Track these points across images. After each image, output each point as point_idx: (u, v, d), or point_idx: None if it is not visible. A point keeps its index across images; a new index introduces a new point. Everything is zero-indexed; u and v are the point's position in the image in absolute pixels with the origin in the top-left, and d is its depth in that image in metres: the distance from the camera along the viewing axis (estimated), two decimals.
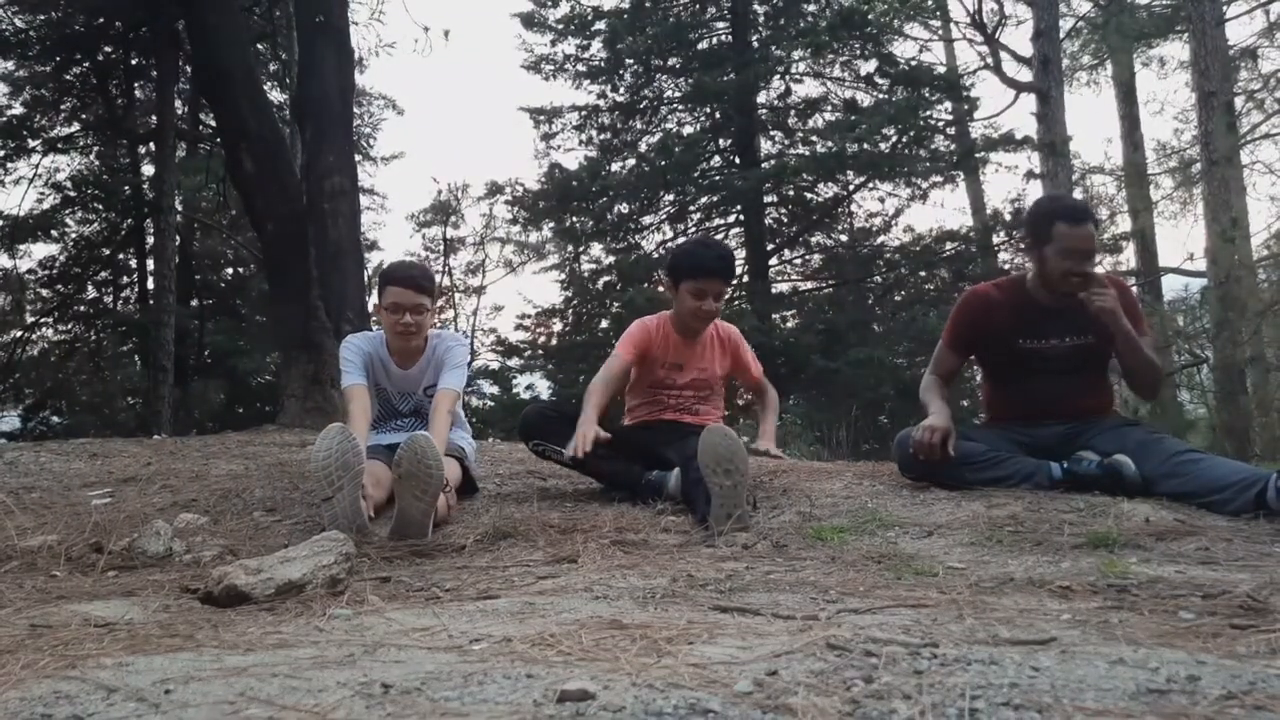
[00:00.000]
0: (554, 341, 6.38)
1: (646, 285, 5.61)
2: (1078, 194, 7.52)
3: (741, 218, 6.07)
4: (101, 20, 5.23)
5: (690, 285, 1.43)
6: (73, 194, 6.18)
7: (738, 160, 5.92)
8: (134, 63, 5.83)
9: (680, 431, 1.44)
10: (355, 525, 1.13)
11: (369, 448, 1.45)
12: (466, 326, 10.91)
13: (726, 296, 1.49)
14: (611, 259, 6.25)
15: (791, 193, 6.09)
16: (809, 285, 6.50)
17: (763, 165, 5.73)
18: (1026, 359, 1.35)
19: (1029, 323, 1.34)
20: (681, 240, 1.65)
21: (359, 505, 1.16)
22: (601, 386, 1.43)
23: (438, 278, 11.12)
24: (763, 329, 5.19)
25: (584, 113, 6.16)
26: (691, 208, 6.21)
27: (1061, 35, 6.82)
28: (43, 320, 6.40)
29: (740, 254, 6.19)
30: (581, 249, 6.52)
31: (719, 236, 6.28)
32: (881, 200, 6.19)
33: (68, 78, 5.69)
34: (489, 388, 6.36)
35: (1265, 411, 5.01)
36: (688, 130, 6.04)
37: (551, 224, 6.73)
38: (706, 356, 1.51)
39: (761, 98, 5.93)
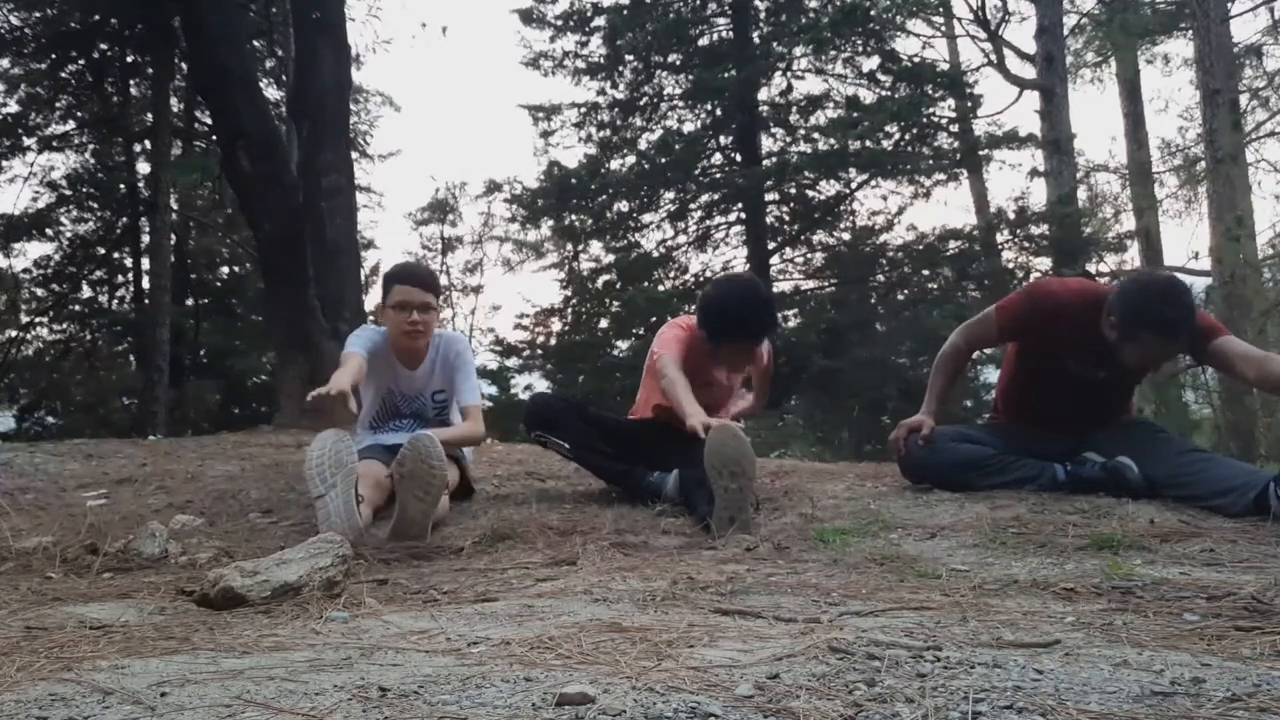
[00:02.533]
0: (553, 341, 6.37)
1: (647, 285, 5.59)
2: (1081, 192, 7.49)
3: (743, 216, 6.05)
4: (97, 17, 5.20)
5: (729, 347, 1.35)
6: (68, 192, 6.16)
7: (739, 158, 5.90)
8: (129, 60, 5.80)
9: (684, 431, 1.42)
10: (349, 524, 1.12)
11: (368, 447, 1.44)
12: (465, 326, 10.90)
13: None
14: (611, 257, 6.23)
15: (793, 190, 6.07)
16: (811, 284, 6.48)
17: (764, 163, 5.72)
18: (1066, 376, 1.30)
19: (1087, 350, 1.27)
20: (717, 284, 1.44)
21: (352, 504, 1.15)
22: (681, 376, 1.33)
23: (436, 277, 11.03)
24: None
25: (583, 110, 6.14)
26: (692, 205, 6.19)
27: (1065, 32, 6.79)
28: (37, 320, 6.39)
29: (741, 252, 6.21)
30: (581, 247, 6.50)
31: (719, 236, 6.29)
32: (884, 198, 6.16)
33: (63, 75, 5.65)
34: (487, 388, 6.36)
35: (1270, 411, 5.00)
36: (688, 127, 6.02)
37: (550, 222, 6.71)
38: (723, 373, 1.46)
39: (763, 94, 5.91)
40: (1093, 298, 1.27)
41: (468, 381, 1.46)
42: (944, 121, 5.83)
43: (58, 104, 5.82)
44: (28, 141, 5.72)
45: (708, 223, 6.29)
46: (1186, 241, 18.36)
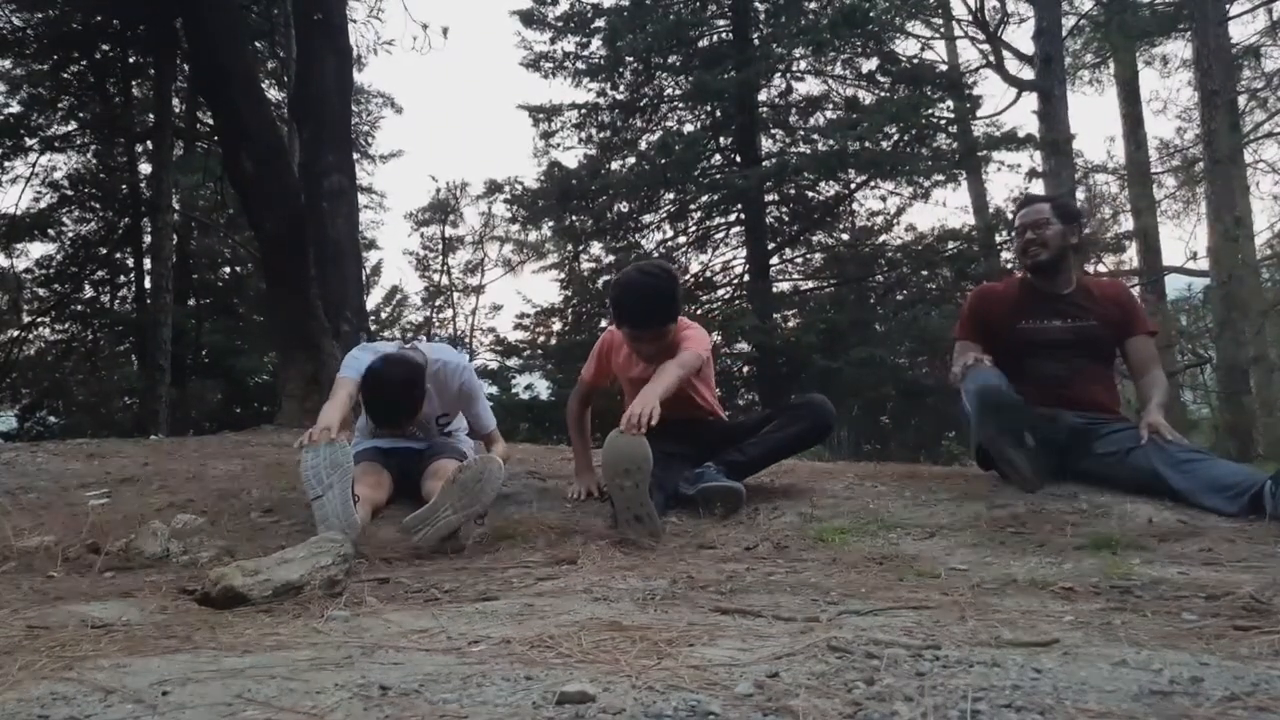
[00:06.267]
0: (553, 341, 6.38)
1: None
2: (1080, 193, 7.53)
3: (742, 216, 6.06)
4: (99, 18, 5.21)
5: (622, 329, 1.39)
6: (70, 193, 6.18)
7: (738, 158, 5.91)
8: (131, 61, 5.81)
9: (697, 428, 1.43)
10: (346, 524, 1.12)
11: (368, 449, 1.44)
12: (465, 326, 10.91)
13: (666, 337, 1.33)
14: (611, 258, 6.24)
15: (793, 191, 6.09)
16: (810, 284, 6.50)
17: (764, 164, 5.72)
18: (1029, 342, 1.41)
19: (1029, 306, 1.42)
20: (624, 270, 1.47)
21: (350, 504, 1.15)
22: (576, 421, 1.48)
23: (437, 277, 11.13)
24: (764, 328, 5.18)
25: (584, 111, 6.15)
26: (692, 206, 6.20)
27: (1064, 33, 6.78)
28: (39, 320, 6.39)
29: (740, 253, 6.22)
30: (581, 248, 6.51)
31: (719, 236, 6.30)
32: (883, 199, 6.20)
33: (65, 76, 5.67)
34: (488, 388, 6.36)
35: (1269, 411, 5.01)
36: (688, 128, 6.03)
37: (551, 223, 6.73)
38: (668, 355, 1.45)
39: (762, 95, 5.93)
40: (1016, 274, 1.50)
41: (482, 410, 1.48)
42: (943, 122, 5.83)
43: (60, 104, 5.82)
44: (30, 142, 5.72)
45: (708, 223, 6.30)
46: (1185, 242, 18.45)
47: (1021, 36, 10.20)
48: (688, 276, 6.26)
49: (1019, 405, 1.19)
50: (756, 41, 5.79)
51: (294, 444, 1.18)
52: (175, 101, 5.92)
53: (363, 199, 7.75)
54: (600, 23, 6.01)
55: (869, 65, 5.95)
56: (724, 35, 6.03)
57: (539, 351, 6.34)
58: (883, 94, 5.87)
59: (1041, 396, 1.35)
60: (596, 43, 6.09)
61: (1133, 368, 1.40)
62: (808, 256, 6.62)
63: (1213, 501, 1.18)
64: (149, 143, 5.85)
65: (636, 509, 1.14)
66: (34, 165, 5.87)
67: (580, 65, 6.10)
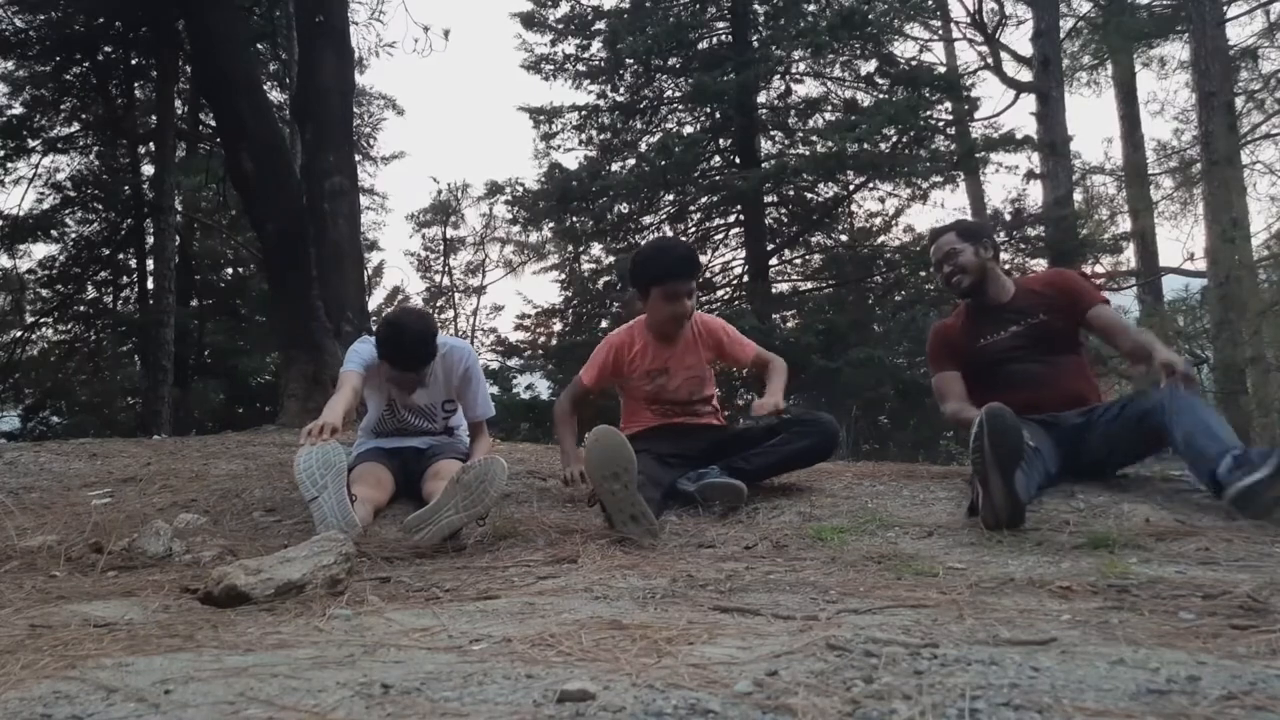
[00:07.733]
0: (554, 341, 6.39)
1: None
2: (1077, 194, 7.56)
3: (741, 218, 6.08)
4: (101, 20, 5.23)
5: (661, 290, 1.42)
6: (72, 194, 6.20)
7: (738, 160, 5.92)
8: (134, 63, 5.84)
9: (699, 432, 1.44)
10: (345, 523, 1.13)
11: (370, 449, 1.45)
12: (466, 326, 10.94)
13: (696, 293, 1.47)
14: (611, 259, 6.26)
15: (792, 193, 6.10)
16: (809, 285, 6.51)
17: (763, 165, 5.72)
18: (992, 356, 1.43)
19: (981, 324, 1.46)
20: (640, 247, 1.78)
21: (346, 503, 1.15)
22: (566, 419, 1.48)
23: (438, 278, 11.18)
24: (763, 329, 5.18)
25: (584, 113, 6.15)
26: (691, 208, 6.22)
27: (1062, 35, 6.81)
28: (42, 320, 6.41)
29: (740, 254, 6.24)
30: (581, 249, 6.52)
31: (719, 238, 6.33)
32: (882, 200, 6.21)
33: (68, 78, 5.68)
34: (490, 388, 6.34)
35: (1265, 411, 5.02)
36: (688, 130, 6.03)
37: (551, 224, 6.73)
38: (691, 354, 1.48)
39: (762, 98, 5.94)
40: (961, 303, 1.52)
41: (480, 395, 1.48)
42: (941, 124, 5.83)
43: (62, 106, 5.83)
44: (32, 143, 5.73)
45: (707, 224, 6.30)
46: (1182, 243, 18.39)
47: (1020, 38, 10.23)
48: None
49: (1021, 436, 1.10)
50: (756, 44, 5.79)
51: (297, 441, 1.20)
52: (177, 103, 5.93)
53: (364, 200, 7.78)
54: (600, 25, 6.02)
55: (868, 67, 5.96)
56: (723, 37, 6.04)
57: (540, 352, 6.35)
58: (881, 96, 5.87)
59: (1030, 399, 1.34)
60: (596, 45, 6.10)
61: (1105, 334, 1.38)
62: (806, 257, 6.63)
63: (1192, 456, 1.17)
64: (151, 144, 5.87)
65: (630, 509, 1.14)
66: (37, 166, 5.88)
67: (580, 67, 6.11)
